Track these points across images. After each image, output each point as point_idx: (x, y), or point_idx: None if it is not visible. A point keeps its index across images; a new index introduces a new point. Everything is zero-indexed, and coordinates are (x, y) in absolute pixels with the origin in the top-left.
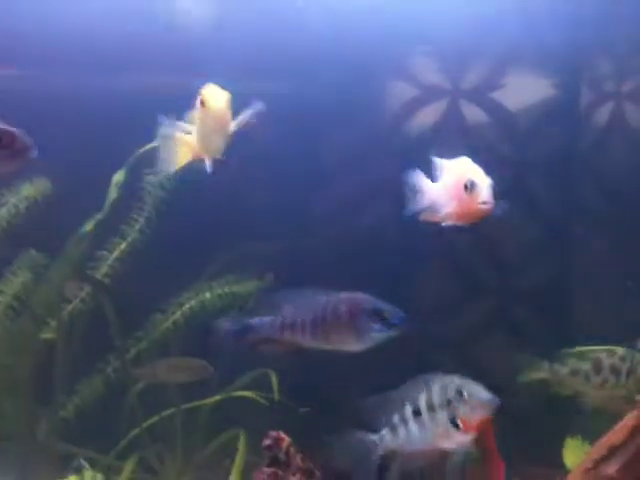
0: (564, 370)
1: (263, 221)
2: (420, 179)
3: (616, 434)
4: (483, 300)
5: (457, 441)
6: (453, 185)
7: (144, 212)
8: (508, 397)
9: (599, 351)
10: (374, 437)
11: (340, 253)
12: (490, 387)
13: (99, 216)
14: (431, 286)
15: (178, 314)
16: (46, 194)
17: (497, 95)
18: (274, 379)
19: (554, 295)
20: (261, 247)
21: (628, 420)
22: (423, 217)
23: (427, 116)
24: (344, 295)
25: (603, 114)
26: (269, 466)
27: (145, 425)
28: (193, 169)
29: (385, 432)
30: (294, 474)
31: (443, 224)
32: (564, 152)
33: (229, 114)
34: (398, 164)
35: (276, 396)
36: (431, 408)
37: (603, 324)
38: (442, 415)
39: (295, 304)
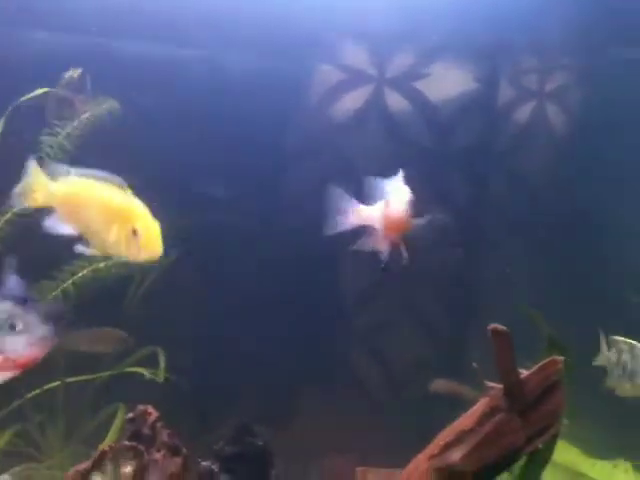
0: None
1: (172, 192)
2: (344, 200)
3: (465, 420)
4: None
5: None
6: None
7: None
8: None
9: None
10: None
11: (247, 230)
12: None
13: None
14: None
15: (69, 282)
16: None
17: (420, 85)
18: (162, 357)
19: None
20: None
21: (478, 406)
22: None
23: (350, 101)
24: None
25: (524, 111)
26: (129, 439)
27: (29, 396)
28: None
29: None
30: (159, 450)
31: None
32: (481, 146)
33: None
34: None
35: (162, 375)
36: None
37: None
38: None
39: None
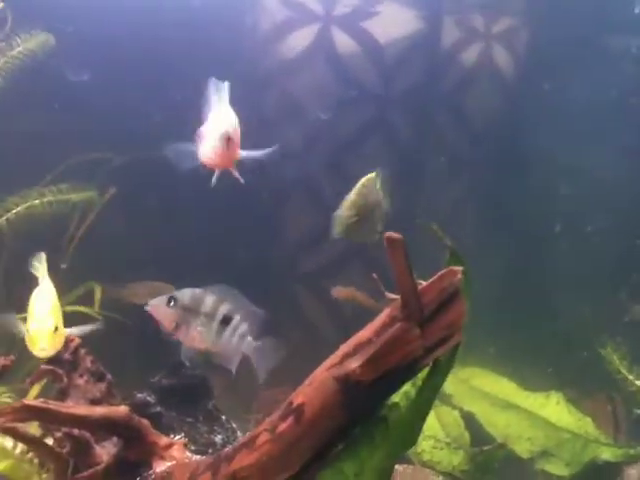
0: None
1: (113, 130)
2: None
3: (364, 332)
4: None
5: None
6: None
7: None
8: None
9: None
10: None
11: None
12: None
13: None
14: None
15: (2, 220)
16: None
17: (368, 24)
18: (98, 293)
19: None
20: (106, 158)
21: (378, 318)
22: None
23: (297, 40)
24: None
25: (470, 53)
26: (48, 363)
27: None
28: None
29: None
30: (81, 375)
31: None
32: (426, 88)
33: None
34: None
35: (96, 308)
36: None
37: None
38: None
39: None
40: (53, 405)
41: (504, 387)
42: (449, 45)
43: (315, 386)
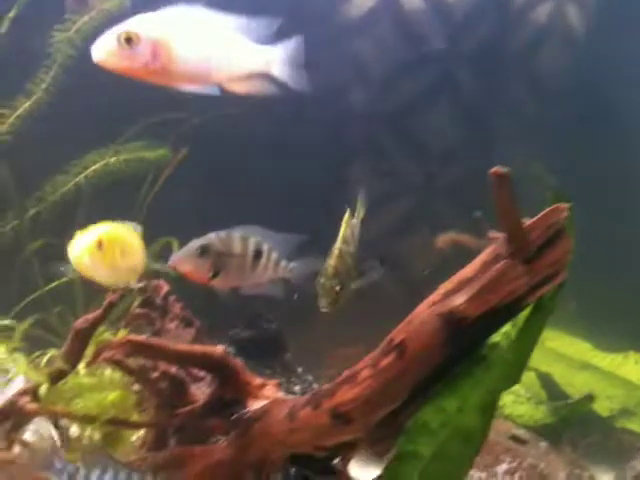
0: None
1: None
2: None
3: (466, 270)
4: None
5: None
6: None
7: (51, 71)
8: None
9: None
10: None
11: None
12: None
13: None
14: None
15: (81, 177)
16: None
17: None
18: (176, 247)
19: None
20: (180, 118)
21: (481, 256)
22: None
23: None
24: None
25: (541, 10)
26: (141, 307)
27: (47, 289)
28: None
29: None
30: (172, 320)
31: None
32: (497, 47)
33: None
34: None
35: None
36: None
37: None
38: None
39: None
40: (156, 341)
41: (580, 348)
42: (520, 1)
43: (416, 323)
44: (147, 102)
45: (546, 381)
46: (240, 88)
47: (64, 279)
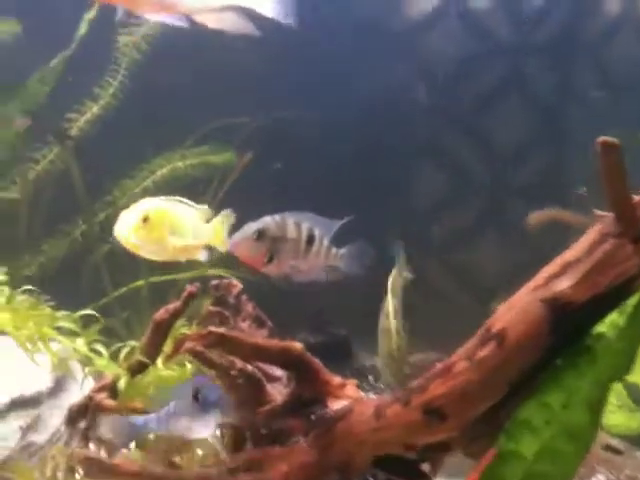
0: None
1: (250, 94)
2: None
3: (571, 251)
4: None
5: None
6: None
7: (119, 75)
8: None
9: None
10: None
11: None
12: None
13: (66, 52)
14: None
15: (148, 181)
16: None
17: None
18: None
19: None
20: (244, 122)
21: (586, 236)
22: None
23: None
24: None
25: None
26: (214, 305)
27: (114, 295)
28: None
29: None
30: (244, 320)
31: None
32: (567, 38)
33: None
34: None
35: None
36: None
37: None
38: None
39: None
40: (237, 334)
41: None
42: None
43: (517, 310)
44: (209, 107)
45: (631, 389)
46: (211, 22)
47: (131, 285)
